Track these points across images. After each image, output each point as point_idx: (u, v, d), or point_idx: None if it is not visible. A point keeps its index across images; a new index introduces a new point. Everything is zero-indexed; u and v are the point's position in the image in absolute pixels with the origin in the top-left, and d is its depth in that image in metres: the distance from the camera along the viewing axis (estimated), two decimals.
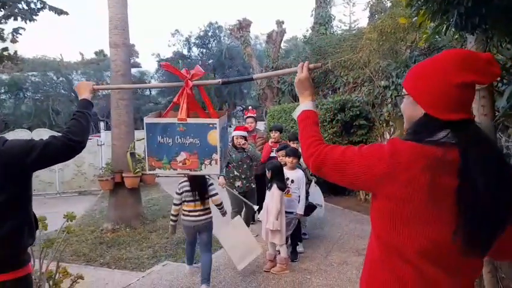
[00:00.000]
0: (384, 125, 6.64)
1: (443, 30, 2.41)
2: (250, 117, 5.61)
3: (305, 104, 1.41)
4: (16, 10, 8.43)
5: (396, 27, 4.56)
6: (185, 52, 20.85)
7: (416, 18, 2.45)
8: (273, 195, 3.86)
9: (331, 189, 7.40)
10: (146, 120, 1.79)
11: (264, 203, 4.05)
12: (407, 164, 0.97)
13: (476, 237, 0.94)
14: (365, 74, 6.79)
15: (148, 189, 7.93)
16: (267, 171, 3.99)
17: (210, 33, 20.76)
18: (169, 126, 1.75)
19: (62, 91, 17.50)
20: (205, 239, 3.57)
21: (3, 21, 8.49)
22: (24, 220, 1.62)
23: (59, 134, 1.67)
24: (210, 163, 1.75)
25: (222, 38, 21.00)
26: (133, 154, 5.78)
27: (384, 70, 6.09)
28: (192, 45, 21.04)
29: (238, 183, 4.63)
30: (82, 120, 1.74)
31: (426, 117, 1.06)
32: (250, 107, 6.16)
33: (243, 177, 4.63)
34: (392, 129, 6.54)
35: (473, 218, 0.94)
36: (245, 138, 4.63)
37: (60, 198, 8.97)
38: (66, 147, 1.62)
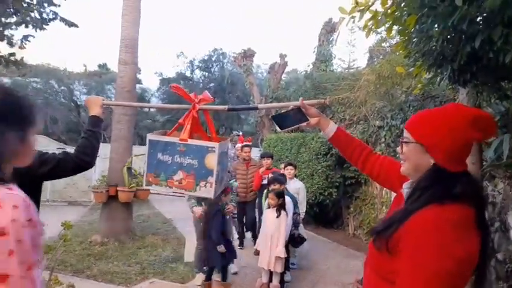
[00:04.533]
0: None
1: (437, 81, 2.64)
2: (247, 146, 5.75)
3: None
4: (28, 18, 8.68)
5: (393, 72, 4.85)
6: (188, 74, 21.29)
7: (412, 68, 2.68)
8: (280, 222, 3.93)
9: (320, 222, 7.49)
10: (150, 136, 1.84)
11: (263, 231, 4.10)
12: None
13: None
14: (361, 112, 7.06)
15: (139, 205, 7.93)
16: (273, 199, 4.02)
17: (213, 58, 21.33)
18: (170, 145, 1.79)
19: (62, 100, 17.64)
20: None
21: (14, 27, 8.70)
22: None
23: (71, 152, 1.74)
24: (205, 185, 1.77)
25: (225, 64, 21.56)
26: (129, 169, 5.87)
27: (380, 111, 6.36)
28: (195, 67, 21.53)
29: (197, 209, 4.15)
30: (92, 139, 1.80)
31: (435, 168, 1.11)
32: (241, 133, 6.32)
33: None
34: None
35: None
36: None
37: (50, 206, 8.89)
38: (76, 167, 1.71)
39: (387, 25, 2.31)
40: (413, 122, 1.20)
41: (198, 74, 21.94)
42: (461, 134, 1.09)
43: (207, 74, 21.71)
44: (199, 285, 4.02)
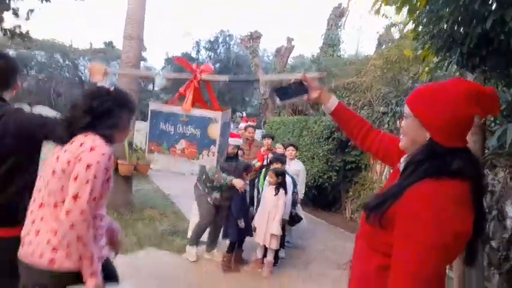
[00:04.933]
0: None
1: (445, 66, 2.60)
2: (250, 126, 5.74)
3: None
4: None
5: (401, 57, 4.79)
6: (193, 54, 21.11)
7: (420, 51, 2.63)
8: (278, 200, 3.99)
9: (319, 205, 7.54)
10: (152, 106, 1.86)
11: (261, 208, 4.15)
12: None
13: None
14: (366, 98, 7.01)
15: (138, 179, 7.98)
16: (272, 176, 4.06)
17: (220, 40, 21.11)
18: (172, 115, 1.82)
19: (67, 74, 17.57)
20: None
21: None
22: (31, 183, 1.68)
23: None
24: (208, 154, 1.81)
25: (231, 46, 21.33)
26: (130, 143, 5.88)
27: (385, 97, 6.31)
28: (201, 48, 21.33)
29: (215, 195, 4.13)
30: None
31: (432, 143, 1.10)
32: (245, 114, 6.32)
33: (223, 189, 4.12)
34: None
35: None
36: (238, 147, 4.47)
37: None
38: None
39: (397, 5, 2.26)
40: (413, 96, 1.18)
41: (203, 54, 21.75)
42: (459, 109, 1.07)
43: (212, 55, 21.50)
44: (194, 260, 4.09)
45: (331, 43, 11.27)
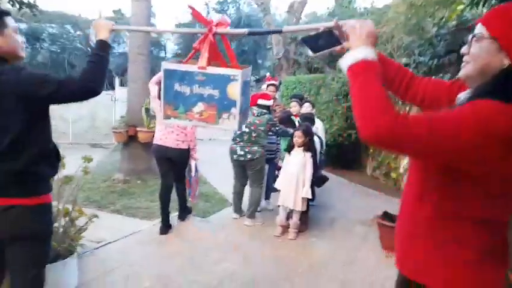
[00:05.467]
0: (400, 102, 6.56)
1: (481, 3, 2.35)
2: (272, 84, 5.52)
3: (363, 50, 1.03)
4: None
5: (427, 0, 4.42)
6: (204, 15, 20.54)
7: None
8: (306, 161, 3.87)
9: (339, 163, 7.45)
10: (164, 65, 1.69)
11: (287, 170, 3.98)
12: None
13: None
14: (386, 50, 6.64)
15: None
16: (300, 136, 3.90)
17: (229, 0, 20.35)
18: (187, 74, 1.65)
19: (79, 45, 17.50)
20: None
21: None
22: (44, 149, 1.66)
23: (76, 76, 1.62)
24: (228, 117, 1.64)
25: (241, 6, 20.58)
26: (147, 110, 5.85)
27: (407, 47, 5.94)
28: (211, 9, 20.68)
29: (239, 151, 4.15)
30: (100, 64, 1.67)
31: (508, 72, 0.93)
32: (268, 73, 6.11)
33: (249, 142, 4.11)
34: (408, 107, 6.46)
35: None
36: (269, 108, 4.33)
37: (73, 148, 9.17)
38: (80, 90, 1.60)
39: None
40: (492, 15, 0.99)
41: (213, 16, 21.12)
42: None
43: (222, 15, 20.86)
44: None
45: None
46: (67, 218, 2.89)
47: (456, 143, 0.88)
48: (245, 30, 1.76)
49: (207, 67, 1.63)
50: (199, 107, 1.67)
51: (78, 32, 17.86)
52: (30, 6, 8.88)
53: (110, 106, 9.95)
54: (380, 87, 0.96)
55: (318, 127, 4.99)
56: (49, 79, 1.55)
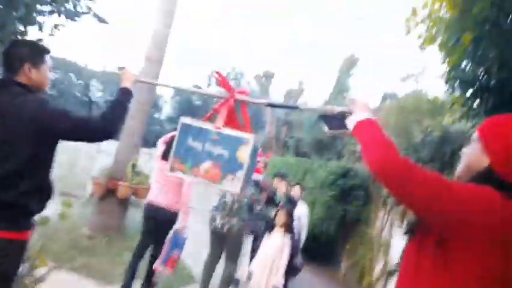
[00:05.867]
0: (381, 202, 6.63)
1: (471, 116, 2.53)
2: (262, 161, 5.55)
3: (366, 114, 1.22)
4: (62, 8, 8.88)
5: (417, 107, 4.79)
6: (204, 88, 21.56)
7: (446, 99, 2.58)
8: (284, 245, 3.68)
9: (312, 255, 7.20)
10: (183, 120, 1.76)
11: (262, 253, 3.79)
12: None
13: None
14: None
15: (137, 204, 7.74)
16: (284, 216, 3.77)
17: (231, 77, 21.64)
18: (203, 131, 1.72)
19: (77, 93, 17.83)
20: None
21: (47, 15, 8.88)
22: (41, 183, 1.62)
23: (95, 117, 1.66)
24: (232, 179, 1.66)
25: (242, 84, 21.83)
26: (134, 166, 5.74)
27: None
28: (213, 83, 21.83)
29: (219, 220, 3.91)
30: (119, 109, 1.74)
31: (490, 171, 1.04)
32: (260, 149, 6.18)
33: (230, 214, 3.90)
34: (388, 208, 6.51)
35: None
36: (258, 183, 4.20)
37: None
38: (97, 131, 1.64)
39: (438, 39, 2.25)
40: (486, 121, 1.15)
41: (213, 89, 22.24)
42: None
43: (223, 90, 21.96)
44: None
45: (342, 89, 11.50)
46: (27, 264, 2.63)
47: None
48: (265, 101, 1.85)
49: (223, 127, 1.71)
50: (207, 164, 1.69)
51: (79, 81, 18.35)
52: (47, 51, 9.24)
53: (92, 157, 9.76)
54: (386, 135, 1.12)
55: (304, 212, 4.91)
56: (70, 115, 1.59)
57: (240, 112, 1.86)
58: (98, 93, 19.73)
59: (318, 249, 7.16)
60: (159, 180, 3.65)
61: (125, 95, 1.79)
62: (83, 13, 10.27)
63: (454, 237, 0.99)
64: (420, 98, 4.76)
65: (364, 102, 1.28)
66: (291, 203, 4.41)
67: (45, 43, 8.72)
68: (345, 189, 6.98)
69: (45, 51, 1.73)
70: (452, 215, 0.97)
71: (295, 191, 4.93)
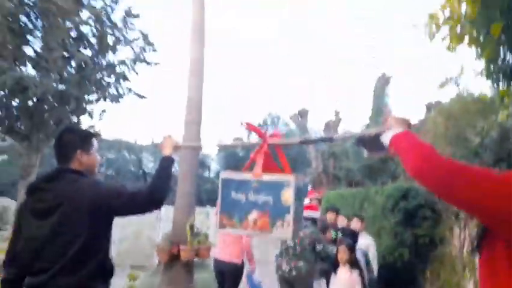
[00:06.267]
0: (453, 217, 6.12)
1: None
2: (315, 199, 5.47)
3: (403, 128, 1.24)
4: (106, 93, 9.83)
5: (465, 110, 4.53)
6: (245, 139, 22.09)
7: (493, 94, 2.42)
8: (352, 281, 3.51)
9: (392, 285, 6.67)
10: (222, 175, 1.82)
11: None
12: None
13: None
14: None
15: (200, 266, 7.80)
16: (344, 252, 3.63)
17: (268, 122, 22.08)
18: (243, 182, 1.73)
19: (132, 168, 19.02)
20: None
21: (94, 102, 9.87)
22: (102, 264, 1.68)
23: (143, 189, 1.75)
24: (282, 225, 1.63)
25: (280, 126, 22.12)
26: (191, 227, 5.87)
27: (451, 157, 5.86)
28: (252, 132, 22.37)
29: (285, 266, 3.95)
30: (164, 177, 1.82)
31: None
32: (310, 187, 6.12)
33: (295, 257, 3.91)
34: (462, 223, 5.99)
35: None
36: (315, 220, 4.28)
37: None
38: (147, 202, 1.72)
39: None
40: None
41: (253, 137, 22.69)
42: None
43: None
44: None
45: (381, 110, 11.24)
46: None
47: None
48: (298, 140, 1.87)
49: (262, 174, 1.71)
50: (253, 214, 1.68)
51: (132, 156, 19.68)
52: (95, 136, 10.12)
53: (154, 225, 10.12)
54: (423, 141, 1.13)
55: (369, 243, 4.68)
56: (123, 191, 1.68)
57: (277, 156, 1.90)
58: (150, 165, 20.92)
59: (396, 278, 6.63)
60: (219, 236, 3.94)
61: (166, 162, 1.89)
62: (124, 94, 11.26)
63: None
64: (466, 99, 4.50)
65: (398, 118, 1.29)
66: (351, 236, 4.22)
67: (96, 128, 9.54)
68: (409, 211, 6.54)
69: (93, 135, 1.89)
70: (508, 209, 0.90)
71: (354, 224, 4.73)
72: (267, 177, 1.71)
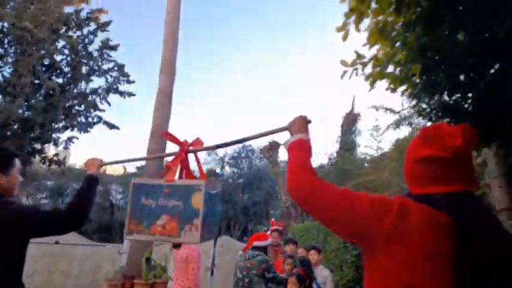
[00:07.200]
0: None
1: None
2: (275, 230, 5.51)
3: (300, 134, 1.26)
4: (75, 122, 9.69)
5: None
6: (218, 170, 21.97)
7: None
8: None
9: None
10: (134, 180, 1.78)
11: None
12: (415, 222, 0.92)
13: None
14: (389, 196, 6.77)
15: None
16: (294, 283, 3.53)
17: (242, 155, 22.14)
18: (155, 187, 1.70)
19: (98, 200, 18.36)
20: None
21: (61, 130, 9.69)
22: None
23: (62, 209, 1.69)
24: (190, 229, 1.59)
25: (254, 159, 22.24)
26: (148, 259, 5.70)
27: (405, 192, 6.08)
28: (226, 164, 22.31)
29: None
30: (85, 197, 1.77)
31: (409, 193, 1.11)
32: (273, 219, 6.14)
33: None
34: None
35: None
36: (265, 249, 4.24)
37: None
38: (66, 222, 1.66)
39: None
40: None
41: (227, 170, 22.62)
42: (414, 155, 1.08)
43: (236, 170, 22.32)
44: None
45: (347, 147, 11.58)
46: None
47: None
48: (214, 145, 1.80)
49: (174, 179, 1.71)
50: (162, 219, 1.65)
51: (100, 187, 19.11)
52: (59, 163, 9.82)
53: (116, 260, 9.70)
54: (308, 159, 1.17)
55: (326, 275, 4.66)
56: (41, 211, 1.65)
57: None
58: (119, 196, 20.31)
59: None
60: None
61: (90, 181, 1.83)
62: (94, 124, 11.05)
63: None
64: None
65: (300, 122, 1.32)
66: (308, 267, 4.21)
67: (62, 157, 9.25)
68: None
69: (14, 155, 1.78)
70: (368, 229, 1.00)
71: (312, 256, 4.74)
72: (179, 181, 1.71)
